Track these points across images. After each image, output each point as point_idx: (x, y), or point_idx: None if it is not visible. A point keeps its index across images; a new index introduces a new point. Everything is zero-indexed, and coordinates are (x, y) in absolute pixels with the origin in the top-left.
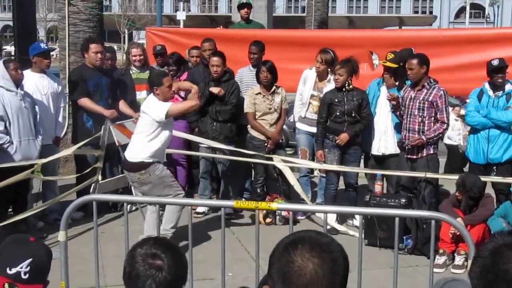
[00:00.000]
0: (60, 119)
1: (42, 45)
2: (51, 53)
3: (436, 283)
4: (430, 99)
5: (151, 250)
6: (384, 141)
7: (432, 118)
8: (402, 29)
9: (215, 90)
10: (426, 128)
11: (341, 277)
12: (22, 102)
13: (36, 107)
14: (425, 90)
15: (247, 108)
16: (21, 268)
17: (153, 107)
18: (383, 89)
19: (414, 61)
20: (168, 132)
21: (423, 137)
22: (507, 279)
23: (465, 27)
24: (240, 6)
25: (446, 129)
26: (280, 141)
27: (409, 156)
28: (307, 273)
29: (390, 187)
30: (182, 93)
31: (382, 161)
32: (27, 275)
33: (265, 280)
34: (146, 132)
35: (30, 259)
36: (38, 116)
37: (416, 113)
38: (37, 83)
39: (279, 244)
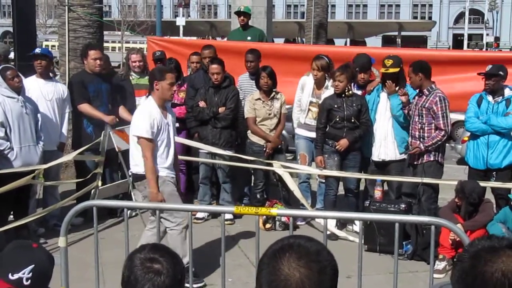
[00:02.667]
0: (65, 124)
1: (37, 50)
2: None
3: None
4: (426, 106)
5: (149, 254)
6: (384, 147)
7: (433, 125)
8: (402, 47)
9: (221, 110)
10: (426, 135)
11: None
12: (23, 108)
13: (39, 114)
14: (424, 97)
15: (247, 113)
16: (23, 274)
17: (133, 122)
18: (383, 95)
19: (410, 70)
20: (160, 143)
21: (421, 145)
22: (484, 280)
23: (464, 32)
24: (237, 14)
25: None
26: (279, 146)
27: (410, 162)
28: (293, 282)
29: (391, 193)
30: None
31: (383, 167)
32: (29, 281)
33: None
34: (136, 145)
35: (33, 266)
36: (39, 122)
37: (416, 119)
38: (42, 89)
39: (268, 249)
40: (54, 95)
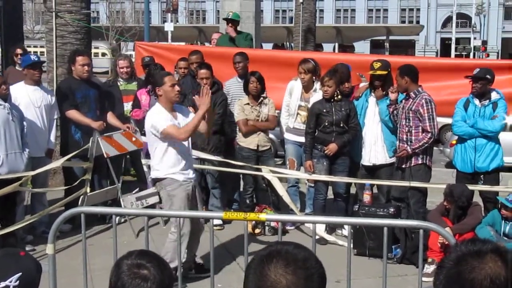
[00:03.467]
0: (53, 131)
1: (32, 57)
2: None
3: None
4: (413, 108)
5: (137, 260)
6: (374, 151)
7: (420, 128)
8: (390, 55)
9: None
10: (413, 138)
11: None
12: (9, 115)
13: (24, 121)
14: (411, 100)
15: (238, 116)
16: (10, 282)
17: (149, 121)
18: (371, 100)
19: (397, 73)
20: (173, 144)
21: (408, 148)
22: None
23: (451, 36)
24: (225, 20)
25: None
26: (270, 149)
27: (398, 166)
28: None
29: (382, 197)
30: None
31: (373, 171)
32: None
33: None
34: (154, 147)
35: (20, 274)
36: (25, 129)
37: (403, 123)
38: (30, 96)
39: (256, 256)
40: (42, 102)
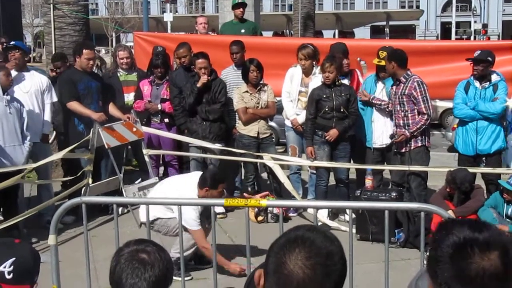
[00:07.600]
0: (48, 116)
1: (12, 43)
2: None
3: (419, 271)
4: (406, 93)
5: (135, 247)
6: (386, 133)
7: (415, 111)
8: (388, 39)
9: (203, 79)
10: (410, 121)
11: None
12: (7, 107)
13: (25, 112)
14: (402, 85)
15: (238, 104)
16: (4, 268)
17: (186, 212)
18: (379, 85)
19: (385, 57)
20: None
21: (407, 132)
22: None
23: (451, 20)
24: (235, 6)
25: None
26: (271, 136)
27: (397, 150)
28: (294, 280)
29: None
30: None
31: (386, 152)
32: (11, 274)
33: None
34: (166, 213)
35: (13, 259)
36: (25, 122)
37: (398, 108)
38: (17, 81)
39: (282, 236)
40: (31, 87)
